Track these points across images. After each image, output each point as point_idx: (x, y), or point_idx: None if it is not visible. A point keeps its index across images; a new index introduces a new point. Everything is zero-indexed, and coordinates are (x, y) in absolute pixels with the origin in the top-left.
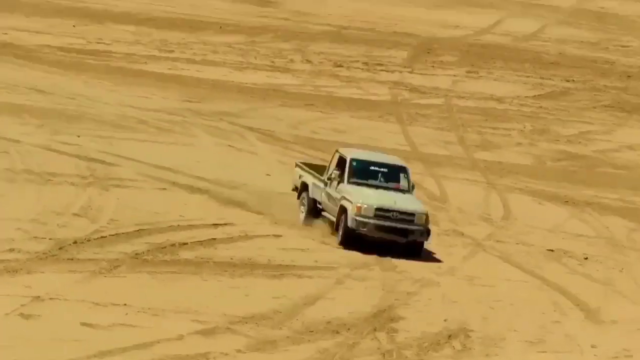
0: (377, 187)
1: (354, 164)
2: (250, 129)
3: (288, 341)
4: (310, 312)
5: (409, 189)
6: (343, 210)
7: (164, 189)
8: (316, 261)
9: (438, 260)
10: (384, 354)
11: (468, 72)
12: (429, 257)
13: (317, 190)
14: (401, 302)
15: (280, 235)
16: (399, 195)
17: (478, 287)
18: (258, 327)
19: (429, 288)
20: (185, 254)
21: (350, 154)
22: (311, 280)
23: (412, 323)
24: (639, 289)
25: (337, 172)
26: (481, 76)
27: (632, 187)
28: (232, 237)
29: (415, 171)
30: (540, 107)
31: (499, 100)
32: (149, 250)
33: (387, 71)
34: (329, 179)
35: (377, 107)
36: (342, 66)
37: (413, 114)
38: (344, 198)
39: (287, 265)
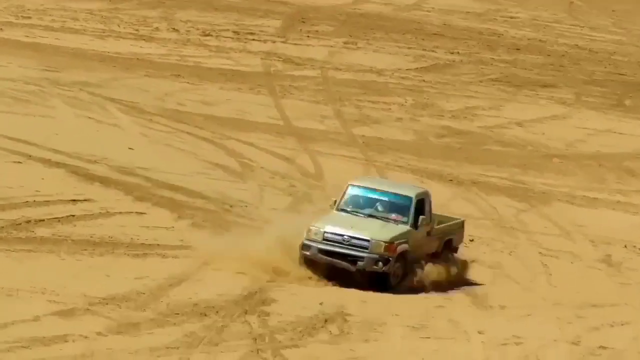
0: (368, 216)
1: (349, 190)
2: (112, 100)
3: (152, 324)
4: (176, 293)
5: (409, 220)
6: None
7: (19, 162)
8: (182, 240)
9: None
10: (255, 339)
11: (345, 42)
12: None
13: None
14: (274, 284)
15: (144, 213)
16: (383, 224)
17: None
18: (120, 309)
19: (304, 269)
20: (41, 231)
21: (352, 181)
22: (176, 261)
23: (285, 306)
24: (529, 273)
25: (334, 200)
26: (359, 47)
27: (520, 165)
28: (92, 214)
29: (288, 146)
30: (423, 80)
31: (379, 72)
32: (2, 227)
33: (259, 41)
34: (332, 207)
35: (248, 79)
36: (210, 35)
37: (286, 86)
38: None
39: (150, 244)
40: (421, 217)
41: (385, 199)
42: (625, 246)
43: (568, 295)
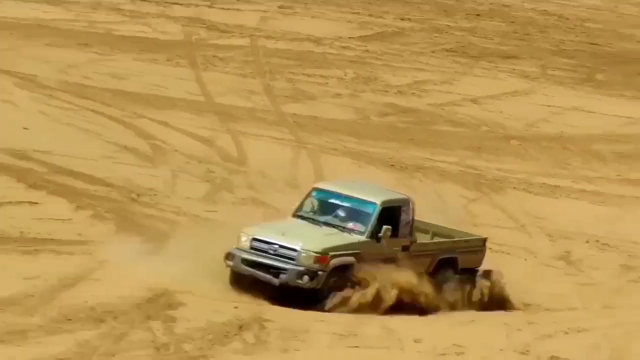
0: (323, 224)
1: (311, 194)
2: (7, 72)
3: (41, 331)
4: (70, 296)
5: (367, 231)
6: None
7: None
8: (80, 234)
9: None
10: (158, 348)
11: (280, 7)
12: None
13: None
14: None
15: (38, 203)
16: (328, 233)
17: None
18: (4, 314)
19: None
20: None
21: (316, 184)
22: (72, 258)
23: (194, 310)
24: None
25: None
26: (296, 12)
27: (473, 148)
28: None
29: (208, 126)
30: (367, 50)
31: (317, 41)
32: None
33: (181, 5)
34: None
35: (165, 49)
36: None
37: (210, 57)
38: None
39: (43, 239)
40: (384, 227)
41: (348, 205)
42: (588, 242)
43: (519, 298)
